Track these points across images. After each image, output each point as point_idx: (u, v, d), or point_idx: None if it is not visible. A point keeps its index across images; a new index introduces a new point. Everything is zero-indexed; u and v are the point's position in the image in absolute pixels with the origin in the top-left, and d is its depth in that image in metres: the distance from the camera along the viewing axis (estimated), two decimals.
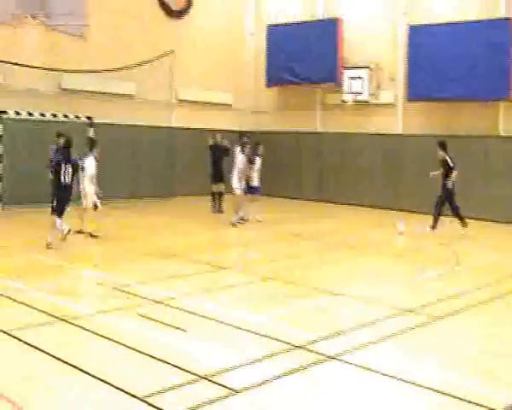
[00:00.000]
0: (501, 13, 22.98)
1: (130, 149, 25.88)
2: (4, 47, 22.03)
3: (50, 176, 16.06)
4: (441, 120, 24.30)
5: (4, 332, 8.94)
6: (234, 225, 19.88)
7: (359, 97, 26.29)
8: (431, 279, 13.59)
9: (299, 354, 8.45)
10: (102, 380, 7.37)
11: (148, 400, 6.89)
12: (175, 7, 27.86)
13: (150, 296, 11.14)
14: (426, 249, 17.73)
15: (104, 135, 23.67)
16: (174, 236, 18.47)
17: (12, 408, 6.65)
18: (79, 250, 16.00)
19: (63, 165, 15.55)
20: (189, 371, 7.66)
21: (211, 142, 23.42)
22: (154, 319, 9.76)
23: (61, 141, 21.09)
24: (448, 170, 18.88)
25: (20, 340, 8.65)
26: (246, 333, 9.29)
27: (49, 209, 15.75)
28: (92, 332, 9.08)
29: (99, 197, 17.47)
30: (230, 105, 30.37)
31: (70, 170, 15.55)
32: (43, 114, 22.58)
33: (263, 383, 7.46)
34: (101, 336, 8.92)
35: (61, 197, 15.53)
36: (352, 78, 26.34)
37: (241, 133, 21.44)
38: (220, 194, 23.14)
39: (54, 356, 8.07)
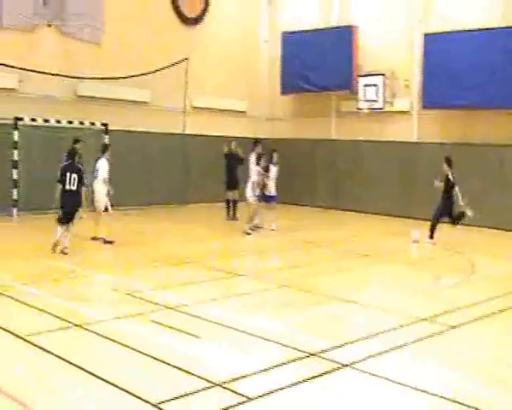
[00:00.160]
0: None
1: (144, 156, 25.93)
2: (21, 54, 22.16)
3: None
4: (456, 128, 24.18)
5: (18, 337, 8.97)
6: (247, 233, 19.86)
7: (374, 105, 26.23)
8: (445, 288, 13.55)
9: (312, 362, 8.43)
10: (116, 385, 7.38)
11: (161, 406, 6.88)
12: (190, 14, 27.94)
13: (164, 303, 11.14)
14: (440, 258, 17.66)
15: (118, 142, 23.77)
16: (188, 242, 18.48)
17: None
18: (93, 256, 16.04)
19: (68, 172, 15.61)
20: (203, 378, 7.65)
21: (226, 150, 23.45)
22: (167, 326, 9.76)
23: (78, 147, 21.29)
24: (449, 187, 18.75)
25: (34, 345, 8.68)
26: (259, 340, 9.27)
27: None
28: (106, 338, 9.09)
29: (110, 201, 17.49)
30: (245, 112, 30.40)
31: (74, 176, 15.59)
32: (58, 121, 22.67)
33: (276, 390, 7.43)
34: (115, 341, 8.93)
35: (65, 204, 15.56)
36: (367, 85, 26.29)
37: (256, 141, 21.43)
38: (235, 201, 23.15)
39: (68, 361, 8.09)
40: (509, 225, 22.40)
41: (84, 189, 15.86)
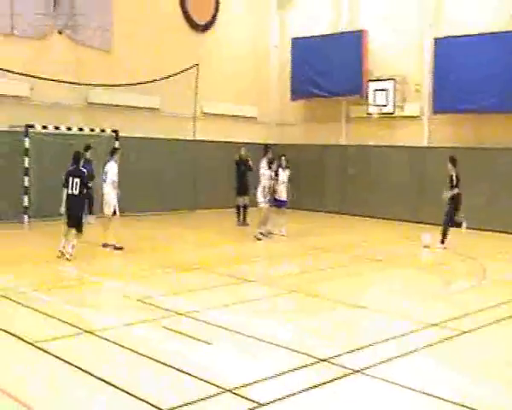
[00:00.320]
0: None
1: (155, 163, 25.97)
2: (31, 61, 22.25)
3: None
4: (467, 133, 24.12)
5: (29, 343, 9.00)
6: (258, 238, 19.86)
7: (384, 110, 26.20)
8: (456, 293, 13.51)
9: (323, 368, 8.42)
10: (126, 392, 7.39)
11: None
12: (200, 20, 28.00)
13: (174, 309, 11.15)
14: (451, 263, 17.61)
15: (128, 148, 23.82)
16: (198, 248, 18.49)
17: None
18: (104, 262, 16.09)
19: (71, 177, 15.70)
20: (214, 384, 7.65)
21: (236, 156, 23.47)
22: (178, 332, 9.77)
23: (88, 154, 21.45)
24: (451, 186, 18.79)
25: (45, 351, 8.70)
26: (270, 346, 9.27)
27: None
28: (116, 344, 9.11)
29: (119, 205, 17.53)
30: (255, 118, 30.43)
31: (77, 181, 15.65)
32: (69, 128, 22.72)
33: (287, 396, 7.43)
34: (126, 348, 8.94)
35: (69, 208, 15.69)
36: (377, 90, 26.27)
37: (266, 146, 21.45)
38: (245, 207, 23.17)
39: (78, 367, 8.10)
40: None
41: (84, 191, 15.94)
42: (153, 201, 25.81)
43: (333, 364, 8.51)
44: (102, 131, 23.75)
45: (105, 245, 17.30)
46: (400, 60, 26.15)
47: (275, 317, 11.14)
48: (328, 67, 27.75)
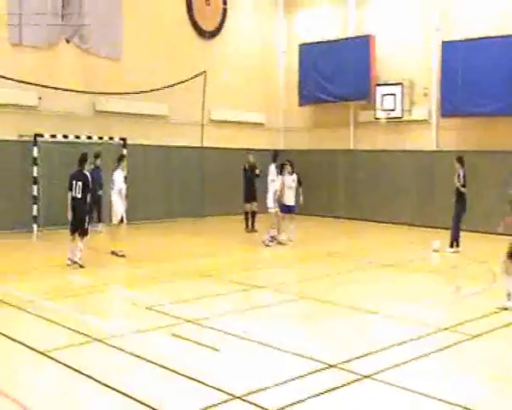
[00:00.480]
0: None
1: (163, 170, 26.03)
2: (40, 71, 22.34)
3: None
4: (476, 136, 24.04)
5: (39, 352, 9.01)
6: (267, 244, 19.82)
7: (392, 114, 26.18)
8: (467, 297, 13.44)
9: (333, 374, 8.39)
10: (135, 399, 7.38)
11: None
12: (207, 28, 28.05)
13: (184, 316, 11.13)
14: (462, 267, 17.55)
15: (137, 156, 23.93)
16: (207, 255, 18.45)
17: None
18: (112, 270, 16.09)
19: (74, 180, 15.80)
20: (223, 391, 7.63)
21: (246, 164, 23.43)
22: (187, 339, 9.76)
23: (99, 161, 21.52)
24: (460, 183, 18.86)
25: (55, 360, 8.71)
26: (279, 352, 9.24)
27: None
28: (126, 352, 9.10)
29: (126, 213, 17.58)
30: (263, 124, 30.45)
31: (79, 184, 15.72)
32: (77, 137, 22.77)
33: (297, 402, 7.40)
34: (135, 355, 8.93)
35: (73, 210, 15.80)
36: (385, 94, 26.25)
37: (275, 152, 21.47)
38: (253, 213, 23.15)
39: (88, 375, 8.10)
40: None
41: (89, 196, 15.97)
42: (161, 208, 25.85)
43: (342, 369, 8.48)
44: (111, 139, 23.81)
45: (113, 253, 17.33)
46: (408, 64, 26.13)
47: (284, 323, 11.11)
48: (335, 73, 27.77)
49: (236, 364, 8.87)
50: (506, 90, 22.65)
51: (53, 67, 22.87)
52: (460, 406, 7.36)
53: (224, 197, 27.45)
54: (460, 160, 19.17)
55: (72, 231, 15.81)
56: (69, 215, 15.80)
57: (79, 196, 15.68)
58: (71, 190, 15.78)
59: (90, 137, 23.10)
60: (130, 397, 7.45)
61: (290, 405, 7.32)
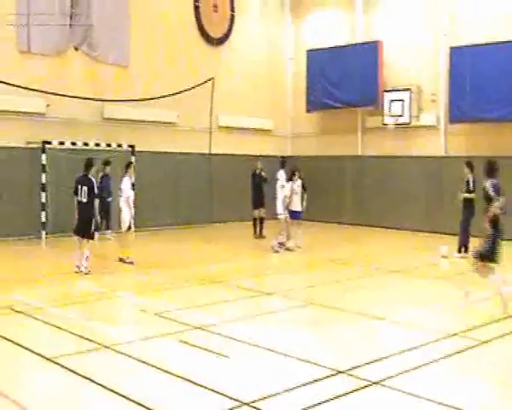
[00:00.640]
0: None
1: (171, 177, 26.04)
2: (48, 78, 22.40)
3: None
4: (484, 142, 23.98)
5: (47, 359, 9.01)
6: (276, 250, 19.82)
7: (400, 120, 26.17)
8: (475, 302, 13.37)
9: (342, 380, 8.37)
10: (144, 406, 7.38)
11: None
12: (215, 34, 28.09)
13: (192, 323, 11.12)
14: (469, 272, 17.46)
15: (145, 163, 23.96)
16: (215, 261, 18.45)
17: None
18: (121, 277, 16.09)
19: (79, 184, 15.91)
20: (232, 398, 7.62)
21: (256, 171, 23.37)
22: (195, 346, 9.75)
23: (108, 169, 21.56)
24: (469, 191, 18.86)
25: (64, 367, 8.70)
26: (289, 358, 9.23)
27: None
28: (135, 359, 9.09)
29: (134, 220, 17.61)
30: (271, 130, 30.46)
31: (85, 188, 15.81)
32: (86, 144, 22.79)
33: (306, 409, 7.38)
34: (143, 362, 8.93)
35: (78, 215, 15.92)
36: (393, 100, 26.25)
37: (283, 158, 21.49)
38: (261, 219, 23.14)
39: (97, 382, 8.10)
40: None
41: (97, 201, 16.00)
42: (170, 215, 25.86)
43: (351, 375, 8.46)
44: (119, 146, 23.82)
45: (121, 260, 17.35)
46: (416, 70, 26.13)
47: (292, 329, 11.09)
48: (343, 78, 27.79)
49: (245, 370, 8.86)
50: None
51: (61, 74, 22.94)
52: None
53: (232, 204, 27.45)
54: (469, 165, 19.17)
55: (75, 233, 15.88)
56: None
57: (85, 200, 15.76)
58: (76, 194, 15.89)
59: (98, 145, 23.12)
60: (137, 403, 7.44)
61: None
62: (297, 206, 20.57)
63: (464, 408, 7.41)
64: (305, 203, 20.85)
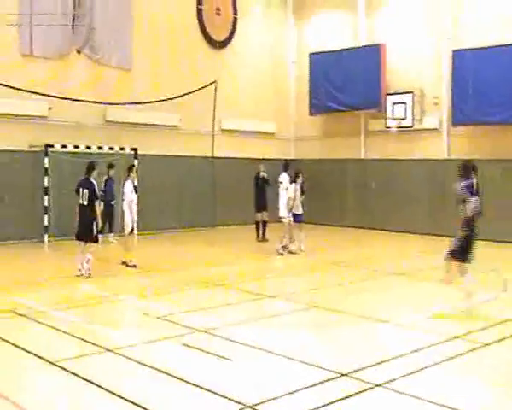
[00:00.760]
0: None
1: (174, 180, 26.02)
2: (50, 81, 22.42)
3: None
4: (487, 145, 23.94)
5: (50, 362, 9.00)
6: (280, 253, 19.81)
7: (403, 123, 26.14)
8: (478, 305, 13.35)
9: (345, 383, 8.34)
10: (146, 408, 7.36)
11: None
12: (218, 37, 28.10)
13: (194, 326, 11.10)
14: (473, 275, 17.42)
15: (148, 166, 23.94)
16: (218, 265, 18.44)
17: None
18: (123, 280, 16.08)
19: (81, 187, 15.94)
20: (234, 401, 7.61)
21: (260, 174, 23.33)
22: (198, 349, 9.73)
23: (112, 172, 21.57)
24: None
25: (66, 370, 8.69)
26: (292, 361, 9.21)
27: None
28: (137, 362, 9.08)
29: (137, 223, 17.63)
30: (274, 134, 30.44)
31: (85, 191, 15.83)
32: (88, 147, 22.77)
33: None
34: (146, 365, 8.91)
35: (79, 218, 15.97)
36: (396, 103, 26.23)
37: (286, 161, 21.48)
38: (264, 222, 23.11)
39: (99, 386, 8.09)
40: None
41: (97, 203, 15.98)
42: (172, 218, 25.85)
43: (354, 378, 8.44)
44: (122, 149, 23.80)
45: (124, 263, 17.34)
46: (418, 73, 26.10)
47: (295, 332, 11.06)
48: (346, 82, 27.75)
49: (248, 373, 8.84)
50: None
51: (63, 77, 22.95)
52: None
53: (235, 207, 27.42)
54: (473, 167, 19.05)
55: (77, 238, 15.89)
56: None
57: (86, 203, 15.80)
58: (78, 195, 15.91)
59: (100, 148, 23.10)
60: (139, 406, 7.43)
61: None
62: (298, 208, 20.56)
63: None
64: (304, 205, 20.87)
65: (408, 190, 26.41)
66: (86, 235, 15.80)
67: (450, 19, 25.23)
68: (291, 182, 20.19)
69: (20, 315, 11.87)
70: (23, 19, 21.78)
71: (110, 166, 21.92)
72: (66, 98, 22.35)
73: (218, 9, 28.09)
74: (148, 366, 8.86)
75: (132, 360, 9.19)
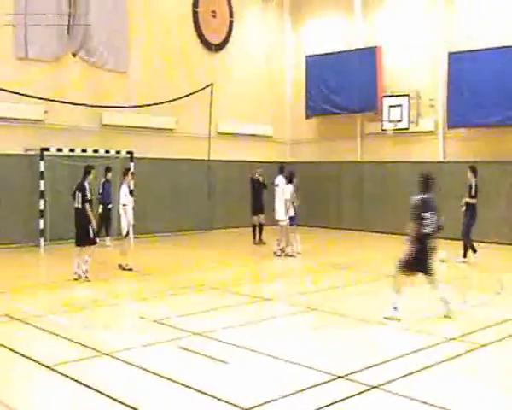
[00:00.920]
0: None
1: (170, 183, 26.00)
2: (46, 84, 22.42)
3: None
4: (483, 147, 23.98)
5: (46, 366, 8.96)
6: (278, 254, 19.81)
7: (399, 125, 26.15)
8: (474, 306, 13.36)
9: (342, 385, 8.32)
10: None
11: None
12: (214, 40, 28.09)
13: (191, 329, 11.07)
14: (470, 277, 17.46)
15: (144, 169, 23.92)
16: (215, 268, 18.43)
17: None
18: (119, 284, 16.06)
19: (76, 191, 15.99)
20: (231, 404, 7.58)
21: (257, 178, 23.28)
22: (195, 352, 9.70)
23: (110, 175, 21.55)
24: (470, 195, 18.87)
25: (63, 374, 8.65)
26: (288, 364, 9.18)
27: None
28: (134, 366, 9.04)
29: (133, 227, 17.61)
30: (270, 137, 30.44)
31: (79, 194, 15.85)
32: (84, 150, 22.75)
33: None
34: (143, 369, 8.88)
35: (75, 221, 16.03)
36: (392, 106, 26.23)
37: (282, 164, 21.47)
38: (261, 225, 23.10)
39: (96, 390, 8.05)
40: None
41: (87, 206, 15.92)
42: (169, 221, 25.81)
43: (351, 380, 8.42)
44: (117, 152, 23.78)
45: (120, 266, 17.32)
46: (414, 75, 26.14)
47: (292, 335, 11.05)
48: (342, 84, 27.80)
49: (245, 376, 8.81)
50: None
51: (59, 80, 22.93)
52: None
53: (231, 210, 27.43)
54: (473, 169, 19.11)
55: (77, 245, 15.88)
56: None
57: (79, 206, 15.82)
58: (74, 199, 15.94)
59: (96, 151, 23.08)
60: None
61: None
62: (291, 211, 20.52)
63: None
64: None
65: (404, 192, 26.28)
66: (83, 238, 15.79)
67: (446, 22, 25.26)
68: (287, 182, 20.16)
69: (16, 319, 11.82)
70: (18, 21, 21.74)
71: (107, 169, 21.89)
72: (61, 102, 22.33)
73: (213, 12, 28.10)
74: (145, 370, 8.83)
75: (129, 363, 9.15)
